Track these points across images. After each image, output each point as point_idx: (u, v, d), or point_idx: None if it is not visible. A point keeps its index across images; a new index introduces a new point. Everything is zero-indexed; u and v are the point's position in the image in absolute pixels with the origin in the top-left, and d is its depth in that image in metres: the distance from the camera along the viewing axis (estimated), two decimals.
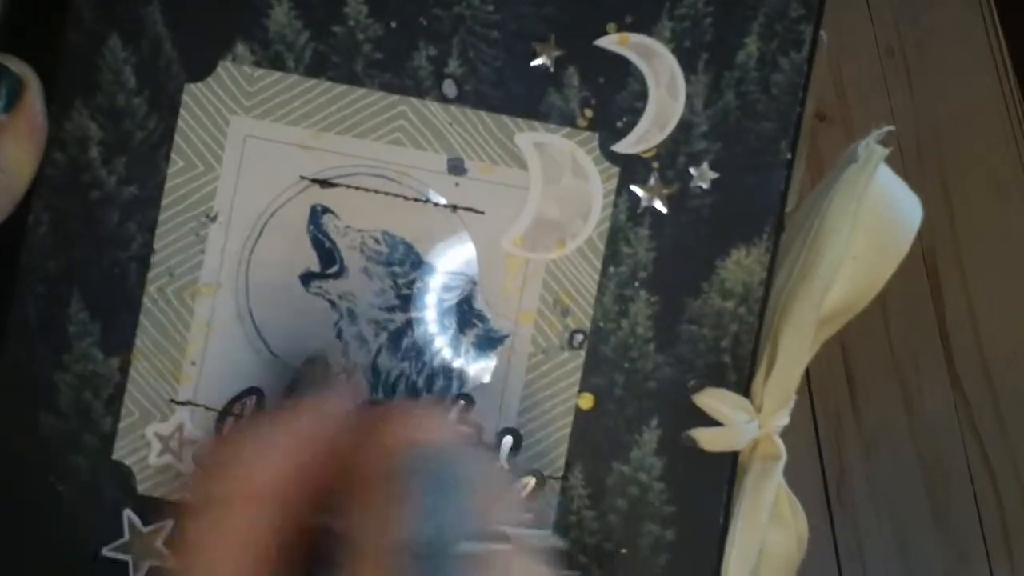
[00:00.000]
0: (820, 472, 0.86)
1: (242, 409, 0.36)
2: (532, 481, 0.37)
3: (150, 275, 0.36)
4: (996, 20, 0.87)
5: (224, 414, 0.36)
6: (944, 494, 0.88)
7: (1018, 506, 0.88)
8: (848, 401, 0.87)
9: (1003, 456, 0.89)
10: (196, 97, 0.36)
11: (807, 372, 0.38)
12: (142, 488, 0.36)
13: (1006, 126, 0.88)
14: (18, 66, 0.35)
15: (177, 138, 0.36)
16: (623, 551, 0.37)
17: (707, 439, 0.37)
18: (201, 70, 0.36)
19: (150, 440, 0.36)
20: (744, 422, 0.37)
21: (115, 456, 0.36)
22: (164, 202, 0.36)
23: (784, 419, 0.37)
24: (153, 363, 0.36)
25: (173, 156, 0.36)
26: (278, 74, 0.36)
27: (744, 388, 0.37)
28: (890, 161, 0.36)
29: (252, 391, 0.36)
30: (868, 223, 0.36)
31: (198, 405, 0.36)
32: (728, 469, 0.37)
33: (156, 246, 0.36)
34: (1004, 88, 0.88)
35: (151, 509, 0.36)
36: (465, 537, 0.26)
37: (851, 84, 0.84)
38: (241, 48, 0.36)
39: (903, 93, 0.87)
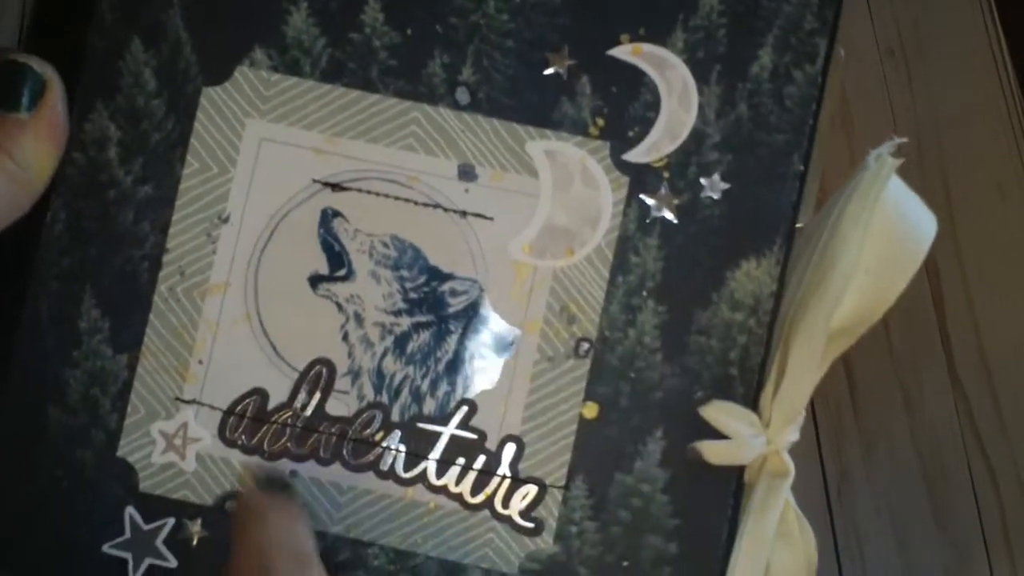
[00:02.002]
0: (820, 472, 0.85)
1: (245, 410, 0.36)
2: (534, 489, 0.36)
3: (162, 274, 0.37)
4: (996, 20, 0.86)
5: (228, 414, 0.36)
6: (944, 494, 0.86)
7: (1019, 506, 0.87)
8: (848, 401, 0.86)
9: (1003, 456, 0.87)
10: (213, 100, 0.37)
11: None
12: (144, 486, 0.36)
13: (1006, 126, 0.87)
14: (41, 67, 0.36)
15: (193, 140, 0.37)
16: (625, 563, 0.36)
17: (712, 452, 0.36)
18: (219, 74, 0.37)
19: (154, 437, 0.36)
20: (751, 436, 0.36)
21: (119, 453, 0.36)
22: (178, 202, 0.37)
23: (793, 435, 0.37)
24: (160, 361, 0.37)
25: (189, 158, 0.37)
26: (294, 79, 0.37)
27: (752, 402, 0.36)
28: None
29: (255, 392, 0.36)
30: (880, 235, 0.35)
31: (203, 404, 0.37)
32: (733, 483, 0.36)
33: (169, 245, 0.37)
34: (1004, 88, 0.87)
35: (152, 507, 0.36)
36: None
37: (851, 84, 0.83)
38: (259, 53, 0.37)
39: (903, 93, 0.86)
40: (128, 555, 0.36)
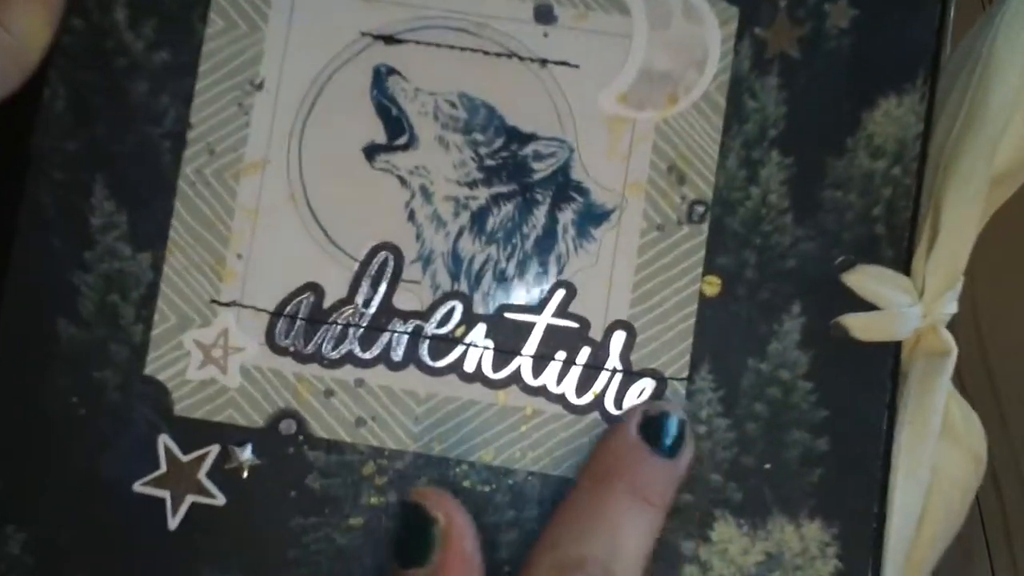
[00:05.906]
0: None
1: (297, 310, 0.30)
2: (651, 384, 0.30)
3: (186, 154, 0.31)
4: None
5: (276, 316, 0.30)
6: None
7: (1021, 507, 0.84)
8: None
9: (1005, 456, 0.86)
10: None
11: None
12: (179, 408, 0.30)
13: None
14: None
15: None
16: (767, 466, 0.30)
17: (862, 327, 0.30)
18: None
19: (189, 349, 0.30)
20: (905, 305, 0.30)
21: (147, 371, 0.31)
22: (201, 69, 0.31)
23: (952, 306, 0.31)
24: (191, 258, 0.31)
25: (211, 16, 0.31)
26: None
27: (903, 265, 0.31)
28: None
29: (308, 288, 0.31)
30: None
31: (245, 306, 0.31)
32: (889, 363, 0.31)
33: (193, 120, 0.31)
34: None
35: (191, 433, 0.30)
36: None
37: None
38: None
39: None
40: (166, 493, 0.30)
